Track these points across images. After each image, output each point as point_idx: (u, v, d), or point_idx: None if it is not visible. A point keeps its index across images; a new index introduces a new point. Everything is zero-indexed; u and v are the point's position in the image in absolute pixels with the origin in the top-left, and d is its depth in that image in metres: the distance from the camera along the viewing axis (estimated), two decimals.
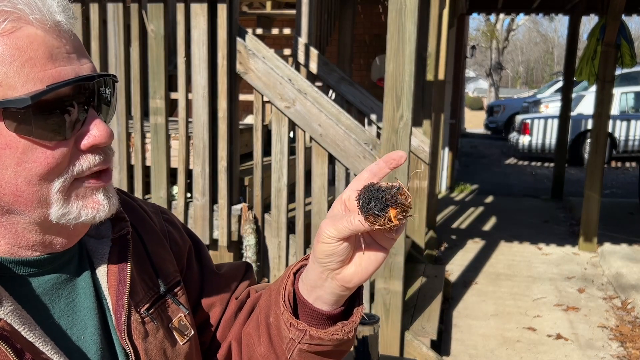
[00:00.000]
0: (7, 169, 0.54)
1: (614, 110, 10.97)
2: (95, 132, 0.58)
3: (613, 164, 11.47)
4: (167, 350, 0.69)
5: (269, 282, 3.06)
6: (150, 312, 0.69)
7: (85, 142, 0.58)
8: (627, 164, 11.48)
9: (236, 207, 2.97)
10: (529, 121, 11.64)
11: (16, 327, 0.54)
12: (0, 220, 0.58)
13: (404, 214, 0.57)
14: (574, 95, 8.45)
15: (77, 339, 0.62)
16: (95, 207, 0.60)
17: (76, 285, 0.65)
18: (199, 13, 2.77)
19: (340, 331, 0.66)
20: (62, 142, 0.56)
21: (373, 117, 3.98)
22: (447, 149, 7.74)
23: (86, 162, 0.58)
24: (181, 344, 0.71)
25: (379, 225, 0.56)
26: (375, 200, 0.57)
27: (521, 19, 30.93)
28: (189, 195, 3.01)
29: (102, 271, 0.66)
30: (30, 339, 0.55)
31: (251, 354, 0.75)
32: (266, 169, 3.06)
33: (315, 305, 0.66)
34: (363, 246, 0.61)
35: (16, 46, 0.52)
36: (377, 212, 0.56)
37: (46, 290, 0.62)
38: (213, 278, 0.82)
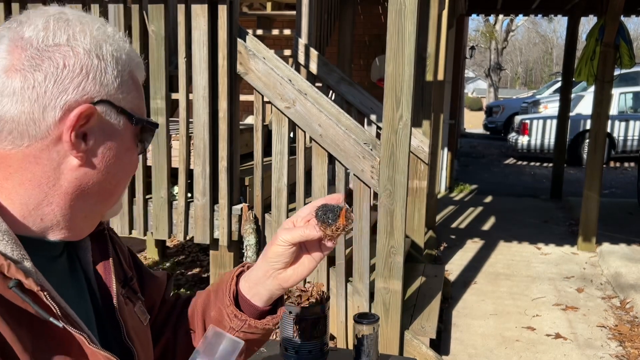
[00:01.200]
0: (122, 167, 0.72)
1: (613, 110, 10.99)
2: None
3: (612, 164, 11.49)
4: (139, 328, 0.82)
5: None
6: (124, 294, 0.82)
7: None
8: (626, 164, 11.50)
9: (236, 207, 2.98)
10: (528, 121, 11.66)
11: (46, 287, 0.64)
12: (75, 204, 0.69)
13: (349, 221, 0.81)
14: (572, 95, 8.47)
15: (80, 314, 0.70)
16: (120, 207, 0.79)
17: (71, 267, 0.76)
18: (200, 14, 2.79)
19: (270, 322, 0.88)
20: (137, 152, 0.76)
21: (373, 117, 4.00)
22: (446, 149, 7.75)
23: (136, 167, 0.78)
24: (144, 324, 0.84)
25: (329, 232, 0.80)
26: (330, 212, 0.80)
27: (520, 19, 30.96)
28: (189, 195, 3.02)
29: (87, 258, 0.78)
30: (57, 300, 0.65)
31: (189, 343, 0.92)
32: (266, 169, 3.07)
33: (253, 301, 0.88)
34: (309, 252, 0.85)
35: (138, 83, 0.74)
36: (330, 221, 0.80)
37: (58, 271, 0.72)
38: (151, 279, 0.95)
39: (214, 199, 2.95)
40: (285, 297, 1.41)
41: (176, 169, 2.98)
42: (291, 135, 3.04)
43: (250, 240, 2.95)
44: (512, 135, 12.33)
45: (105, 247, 0.81)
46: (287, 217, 2.99)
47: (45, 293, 0.62)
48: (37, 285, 0.62)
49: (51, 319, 0.62)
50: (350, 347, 1.80)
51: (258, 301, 0.87)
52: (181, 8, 2.83)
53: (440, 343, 3.44)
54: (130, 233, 3.12)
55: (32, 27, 0.65)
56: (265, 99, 2.92)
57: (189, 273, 4.65)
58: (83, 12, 0.70)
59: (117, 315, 0.77)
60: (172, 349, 0.94)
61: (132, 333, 0.78)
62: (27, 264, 0.63)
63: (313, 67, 4.03)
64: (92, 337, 0.68)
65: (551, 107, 12.92)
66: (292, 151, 3.00)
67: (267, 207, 3.10)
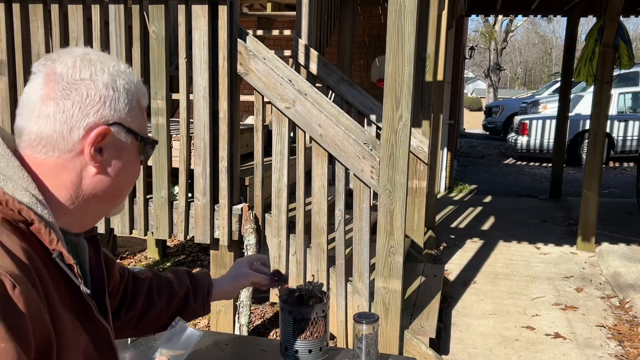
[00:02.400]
0: (128, 175, 0.91)
1: (612, 110, 11.01)
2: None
3: (611, 164, 11.51)
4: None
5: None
6: None
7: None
8: (625, 164, 11.52)
9: (237, 207, 2.99)
10: (527, 121, 11.67)
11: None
12: (89, 203, 0.87)
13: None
14: (572, 95, 8.48)
15: None
16: (122, 208, 0.98)
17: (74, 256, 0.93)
18: (200, 14, 2.79)
19: (208, 310, 1.34)
20: (139, 164, 0.95)
21: (373, 117, 4.01)
22: (446, 149, 7.76)
23: (138, 176, 0.97)
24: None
25: (271, 287, 1.40)
26: (279, 276, 1.40)
27: (519, 20, 30.97)
28: (190, 195, 3.03)
29: (85, 256, 0.96)
30: (81, 274, 0.86)
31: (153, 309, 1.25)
32: (266, 169, 3.08)
33: (210, 300, 1.33)
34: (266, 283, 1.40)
35: (143, 107, 0.92)
36: (279, 283, 1.40)
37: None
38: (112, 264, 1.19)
39: (215, 199, 2.96)
40: (286, 296, 1.42)
41: (177, 169, 2.98)
42: (291, 135, 3.05)
43: (250, 240, 2.96)
44: (512, 136, 12.34)
45: (97, 246, 1.02)
46: (287, 216, 3.00)
47: (76, 266, 0.83)
48: (72, 259, 0.81)
49: (82, 287, 0.83)
50: (350, 346, 1.80)
51: (211, 299, 1.33)
52: (181, 8, 2.83)
53: (440, 342, 3.45)
54: (130, 233, 3.13)
55: (63, 64, 0.84)
56: (266, 99, 2.93)
57: None
58: (103, 52, 0.89)
59: (106, 298, 0.99)
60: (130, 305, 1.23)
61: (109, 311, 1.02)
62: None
63: (313, 68, 4.04)
64: (96, 307, 0.89)
65: (550, 108, 12.94)
66: (292, 151, 3.01)
67: (267, 207, 3.11)
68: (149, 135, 0.95)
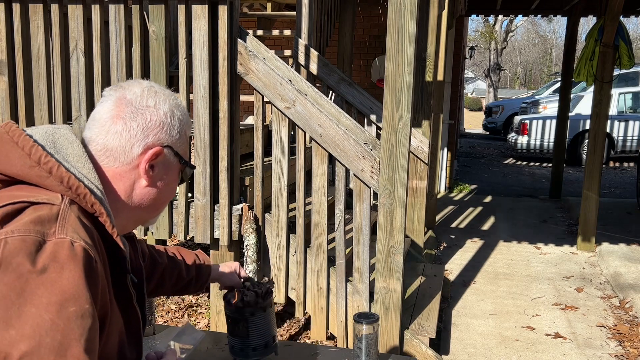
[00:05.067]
0: (169, 191, 1.06)
1: (612, 110, 11.01)
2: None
3: (611, 164, 11.51)
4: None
5: (269, 280, 3.08)
6: None
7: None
8: (625, 164, 11.52)
9: (237, 207, 2.99)
10: (527, 121, 11.67)
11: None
12: (135, 211, 1.02)
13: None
14: (572, 95, 8.48)
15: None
16: (156, 219, 1.16)
17: None
18: (200, 14, 2.79)
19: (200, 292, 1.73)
20: (176, 185, 1.09)
21: (373, 117, 4.01)
22: (446, 149, 7.76)
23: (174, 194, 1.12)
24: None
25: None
26: (253, 283, 1.48)
27: (520, 20, 30.97)
28: (190, 195, 3.03)
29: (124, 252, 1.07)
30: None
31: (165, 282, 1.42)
32: (267, 169, 3.08)
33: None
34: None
35: (188, 138, 1.09)
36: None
37: None
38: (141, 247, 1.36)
39: (215, 199, 2.96)
40: (226, 296, 1.45)
41: None
42: (291, 135, 3.05)
43: (250, 239, 2.96)
44: (512, 136, 12.34)
45: (134, 244, 1.17)
46: (287, 216, 3.00)
47: (128, 260, 0.99)
48: (125, 252, 0.96)
49: (130, 275, 1.00)
50: (350, 346, 1.80)
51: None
52: (182, 8, 2.83)
53: (440, 342, 3.44)
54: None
55: (132, 92, 1.00)
56: (266, 99, 2.93)
57: None
58: (164, 87, 1.05)
59: (144, 289, 1.13)
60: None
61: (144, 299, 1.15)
62: None
63: (313, 68, 4.04)
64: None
65: (550, 107, 12.94)
66: (292, 151, 3.01)
67: (267, 207, 3.11)
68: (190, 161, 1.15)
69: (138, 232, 3.11)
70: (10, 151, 0.89)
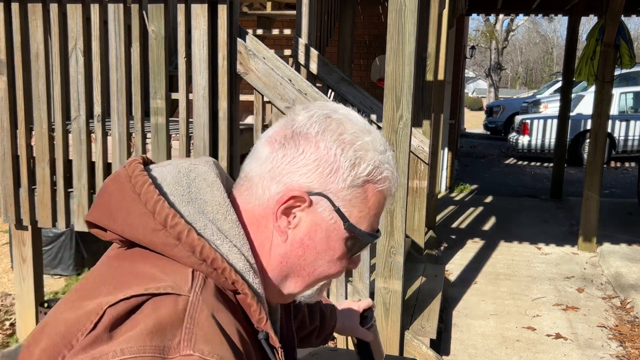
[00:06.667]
0: (321, 261, 0.76)
1: (613, 110, 10.99)
2: (359, 264, 0.91)
3: (612, 164, 11.49)
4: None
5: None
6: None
7: (350, 267, 0.80)
8: (626, 164, 11.50)
9: None
10: (528, 121, 11.65)
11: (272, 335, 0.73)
12: (276, 280, 0.77)
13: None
14: (573, 95, 8.47)
15: None
16: (318, 296, 0.81)
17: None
18: (200, 14, 2.78)
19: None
20: (345, 260, 0.78)
21: (373, 117, 3.99)
22: (446, 149, 7.75)
23: (339, 273, 0.80)
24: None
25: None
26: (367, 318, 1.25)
27: (520, 19, 30.94)
28: None
29: (276, 315, 0.88)
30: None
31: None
32: None
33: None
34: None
35: (379, 202, 0.76)
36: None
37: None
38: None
39: None
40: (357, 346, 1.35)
41: None
42: None
43: None
44: (513, 135, 12.32)
45: (287, 306, 0.95)
46: None
47: (281, 350, 0.71)
48: (278, 342, 0.71)
49: None
50: (351, 347, 1.79)
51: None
52: (181, 8, 2.82)
53: (441, 343, 3.43)
54: None
55: (304, 115, 0.75)
56: (266, 99, 2.92)
57: None
58: (363, 119, 0.78)
59: (296, 352, 0.96)
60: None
61: None
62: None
63: (313, 67, 4.02)
64: None
65: (551, 107, 12.92)
66: None
67: None
68: (372, 232, 0.78)
69: None
70: (131, 206, 0.68)
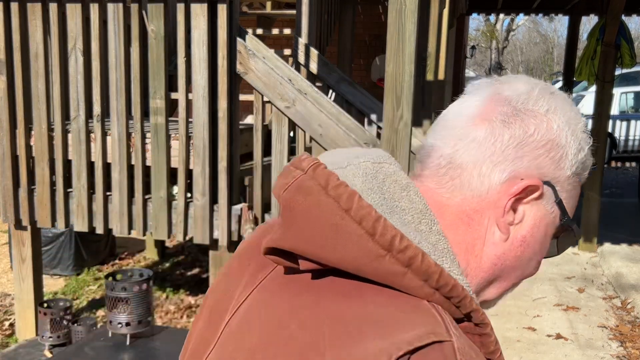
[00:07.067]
0: (528, 261, 0.65)
1: (614, 110, 10.98)
2: None
3: (613, 163, 11.48)
4: None
5: None
6: None
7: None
8: (627, 164, 11.49)
9: (236, 207, 2.97)
10: None
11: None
12: (478, 286, 0.63)
13: None
14: (573, 95, 8.46)
15: None
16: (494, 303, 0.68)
17: None
18: (199, 13, 2.78)
19: None
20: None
21: (373, 117, 3.99)
22: None
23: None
24: None
25: None
26: None
27: (521, 19, 30.94)
28: (189, 195, 3.01)
29: None
30: None
31: None
32: (266, 169, 3.06)
33: None
34: None
35: (578, 194, 0.67)
36: None
37: None
38: None
39: (214, 199, 2.94)
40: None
41: (175, 169, 2.97)
42: (291, 135, 3.03)
43: None
44: None
45: None
46: None
47: (489, 329, 0.56)
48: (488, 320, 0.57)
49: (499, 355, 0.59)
50: None
51: None
52: (181, 7, 2.82)
53: None
54: (129, 233, 3.11)
55: (513, 89, 0.64)
56: (265, 99, 2.91)
57: (189, 274, 4.65)
58: (565, 94, 0.67)
59: None
60: None
61: None
62: None
63: (313, 67, 4.02)
64: None
65: None
66: (292, 151, 2.99)
67: (267, 207, 3.09)
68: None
69: (137, 233, 3.10)
70: (340, 226, 0.52)
